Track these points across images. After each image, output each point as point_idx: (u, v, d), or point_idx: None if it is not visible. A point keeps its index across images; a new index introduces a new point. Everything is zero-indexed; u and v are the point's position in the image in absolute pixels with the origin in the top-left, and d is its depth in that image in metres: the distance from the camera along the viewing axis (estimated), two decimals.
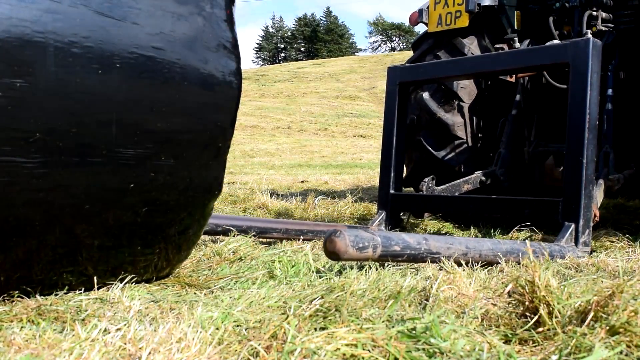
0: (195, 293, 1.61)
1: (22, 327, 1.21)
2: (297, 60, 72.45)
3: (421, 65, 3.56)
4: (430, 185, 3.50)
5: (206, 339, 1.15)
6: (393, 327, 1.24)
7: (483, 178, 3.71)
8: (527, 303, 1.42)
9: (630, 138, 3.71)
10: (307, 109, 24.67)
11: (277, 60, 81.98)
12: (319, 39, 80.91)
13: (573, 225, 2.64)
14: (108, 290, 1.55)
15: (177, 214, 1.71)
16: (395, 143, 3.47)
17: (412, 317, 1.34)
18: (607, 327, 1.24)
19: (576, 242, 2.62)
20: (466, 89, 4.02)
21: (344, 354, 1.10)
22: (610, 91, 3.54)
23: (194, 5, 1.65)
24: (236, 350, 1.14)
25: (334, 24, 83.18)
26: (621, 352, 1.17)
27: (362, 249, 1.72)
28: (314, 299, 1.43)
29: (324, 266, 2.07)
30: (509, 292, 1.56)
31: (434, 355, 1.13)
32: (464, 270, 1.82)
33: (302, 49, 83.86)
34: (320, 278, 1.84)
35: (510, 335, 1.32)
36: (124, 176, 1.54)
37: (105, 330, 1.17)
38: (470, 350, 1.16)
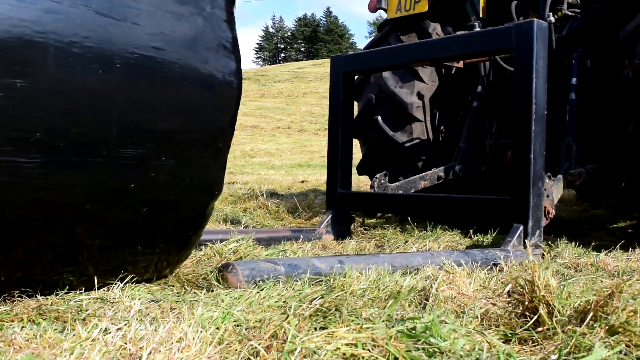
0: (195, 293, 1.61)
1: (22, 327, 1.21)
2: (297, 60, 72.48)
3: (364, 53, 3.33)
4: (382, 182, 3.31)
5: (206, 339, 1.15)
6: (393, 326, 1.24)
7: (441, 174, 3.54)
8: (526, 303, 1.43)
9: (596, 130, 3.47)
10: (307, 109, 24.67)
11: (277, 61, 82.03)
12: (319, 39, 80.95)
13: (521, 227, 2.46)
14: (108, 290, 1.55)
15: (177, 214, 1.71)
16: (342, 137, 3.25)
17: (412, 316, 1.34)
18: (607, 327, 1.24)
19: (525, 245, 2.44)
20: (420, 107, 3.89)
21: (344, 354, 1.10)
22: (574, 80, 3.35)
23: (194, 6, 1.66)
24: (236, 350, 1.14)
25: (334, 24, 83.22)
26: (620, 352, 1.18)
27: (260, 282, 1.60)
28: (314, 299, 1.44)
29: None
30: (508, 291, 1.56)
31: (434, 355, 1.13)
32: (463, 270, 1.82)
33: (302, 49, 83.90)
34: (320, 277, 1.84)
35: (509, 335, 1.33)
36: (124, 176, 1.54)
37: (105, 330, 1.17)
38: (470, 350, 1.17)
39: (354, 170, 3.99)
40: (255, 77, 34.41)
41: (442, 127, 4.01)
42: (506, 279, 1.73)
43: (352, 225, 3.30)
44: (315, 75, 34.44)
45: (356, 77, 3.79)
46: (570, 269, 2.20)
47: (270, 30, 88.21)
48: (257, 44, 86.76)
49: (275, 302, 1.45)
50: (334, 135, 3.27)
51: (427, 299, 1.54)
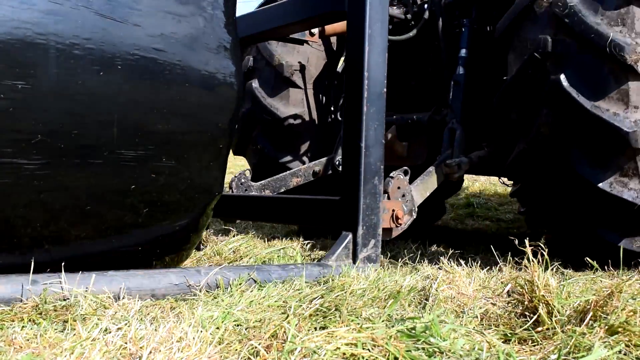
0: (195, 292, 1.61)
1: (23, 327, 1.22)
2: None
3: None
4: (242, 181, 2.79)
5: (207, 339, 1.15)
6: (393, 326, 1.24)
7: (317, 169, 3.01)
8: (526, 302, 1.43)
9: (484, 110, 2.82)
10: None
11: None
12: None
13: (350, 235, 1.97)
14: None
15: (178, 214, 1.72)
16: None
17: (412, 316, 1.34)
18: (606, 327, 1.25)
19: (354, 258, 1.96)
20: (298, 71, 3.27)
21: (344, 353, 1.11)
22: (464, 52, 2.80)
23: (195, 7, 1.66)
24: (236, 350, 1.14)
25: None
26: (620, 352, 1.18)
27: None
28: (314, 299, 1.44)
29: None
30: (508, 291, 1.56)
31: (434, 355, 1.13)
32: (463, 269, 1.82)
33: None
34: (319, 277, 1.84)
35: (509, 335, 1.33)
36: (125, 177, 1.55)
37: (106, 329, 1.17)
38: (470, 350, 1.17)
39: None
40: None
41: (332, 108, 3.39)
42: (506, 279, 1.73)
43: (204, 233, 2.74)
44: None
45: None
46: (570, 268, 2.20)
47: None
48: None
49: (275, 302, 1.45)
50: None
51: (426, 299, 1.54)
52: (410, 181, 2.31)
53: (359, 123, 1.99)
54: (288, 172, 2.95)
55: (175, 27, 1.60)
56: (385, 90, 2.07)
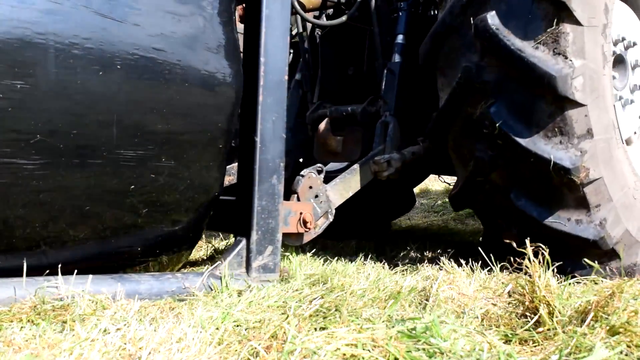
0: (194, 293, 1.61)
1: (21, 327, 1.21)
2: None
3: None
4: None
5: (206, 339, 1.15)
6: (393, 327, 1.24)
7: None
8: (527, 303, 1.42)
9: (421, 101, 2.57)
10: None
11: None
12: None
13: (244, 241, 1.77)
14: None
15: (178, 214, 1.71)
16: None
17: (412, 317, 1.34)
18: (608, 327, 1.24)
19: (247, 267, 1.76)
20: None
21: (344, 354, 1.10)
22: (400, 38, 2.55)
23: (195, 6, 1.66)
24: (236, 350, 1.14)
25: None
26: (621, 352, 1.17)
27: None
28: (314, 299, 1.44)
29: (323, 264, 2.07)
30: (509, 292, 1.56)
31: (434, 355, 1.13)
32: (463, 270, 1.82)
33: None
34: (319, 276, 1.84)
35: (510, 335, 1.32)
36: (125, 177, 1.54)
37: (105, 330, 1.17)
38: (471, 350, 1.17)
39: None
40: None
41: None
42: (507, 279, 1.73)
43: None
44: None
45: None
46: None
47: None
48: None
49: (275, 302, 1.45)
50: None
51: (427, 299, 1.54)
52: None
53: (253, 115, 1.79)
54: None
55: (174, 27, 1.60)
56: (286, 78, 1.86)
